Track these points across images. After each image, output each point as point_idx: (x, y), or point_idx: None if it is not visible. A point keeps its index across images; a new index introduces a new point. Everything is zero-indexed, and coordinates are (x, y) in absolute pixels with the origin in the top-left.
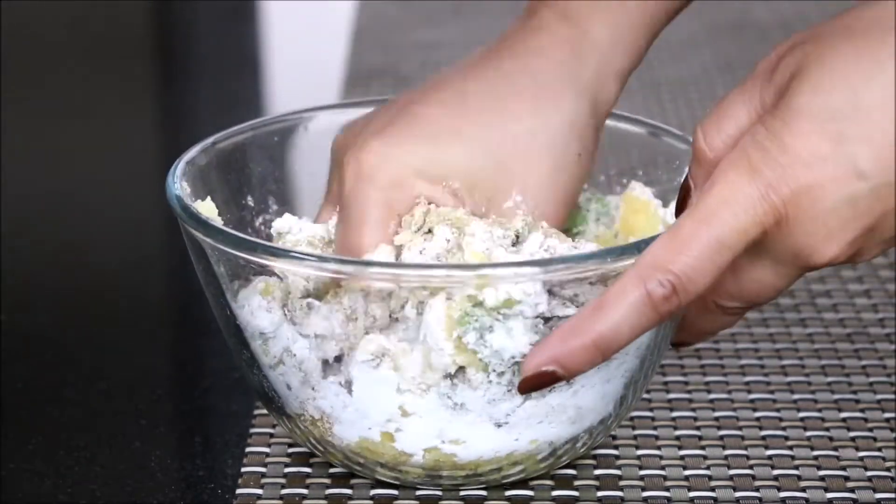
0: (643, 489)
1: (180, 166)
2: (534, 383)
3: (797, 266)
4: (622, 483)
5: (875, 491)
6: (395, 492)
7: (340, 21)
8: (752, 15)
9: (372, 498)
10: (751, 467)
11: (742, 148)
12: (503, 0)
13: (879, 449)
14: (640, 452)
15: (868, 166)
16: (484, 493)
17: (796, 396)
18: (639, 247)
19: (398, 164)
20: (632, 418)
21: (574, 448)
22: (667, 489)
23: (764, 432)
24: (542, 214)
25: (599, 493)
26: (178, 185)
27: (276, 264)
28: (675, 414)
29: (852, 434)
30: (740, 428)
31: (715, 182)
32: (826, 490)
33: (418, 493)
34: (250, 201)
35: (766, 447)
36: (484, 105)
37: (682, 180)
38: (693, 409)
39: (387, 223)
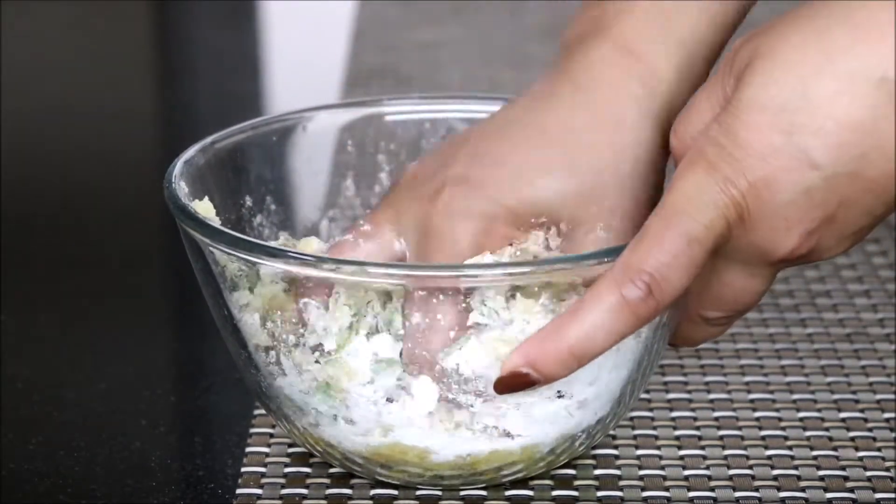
0: (643, 489)
1: (178, 166)
2: (508, 384)
3: (765, 263)
4: (622, 483)
5: (875, 491)
6: (394, 492)
7: (340, 21)
8: (752, 15)
9: (372, 498)
10: (750, 467)
11: (699, 145)
12: (503, 0)
13: (879, 449)
14: (639, 452)
15: (820, 156)
16: (484, 493)
17: (796, 396)
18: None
19: (490, 203)
20: (631, 418)
21: (573, 447)
22: (667, 489)
23: (764, 432)
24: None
25: (599, 493)
26: (176, 184)
27: (274, 264)
28: (674, 414)
29: (852, 434)
30: (740, 428)
31: (676, 180)
32: (826, 490)
33: (418, 492)
34: (248, 201)
35: (766, 447)
36: (567, 139)
37: None
38: (693, 409)
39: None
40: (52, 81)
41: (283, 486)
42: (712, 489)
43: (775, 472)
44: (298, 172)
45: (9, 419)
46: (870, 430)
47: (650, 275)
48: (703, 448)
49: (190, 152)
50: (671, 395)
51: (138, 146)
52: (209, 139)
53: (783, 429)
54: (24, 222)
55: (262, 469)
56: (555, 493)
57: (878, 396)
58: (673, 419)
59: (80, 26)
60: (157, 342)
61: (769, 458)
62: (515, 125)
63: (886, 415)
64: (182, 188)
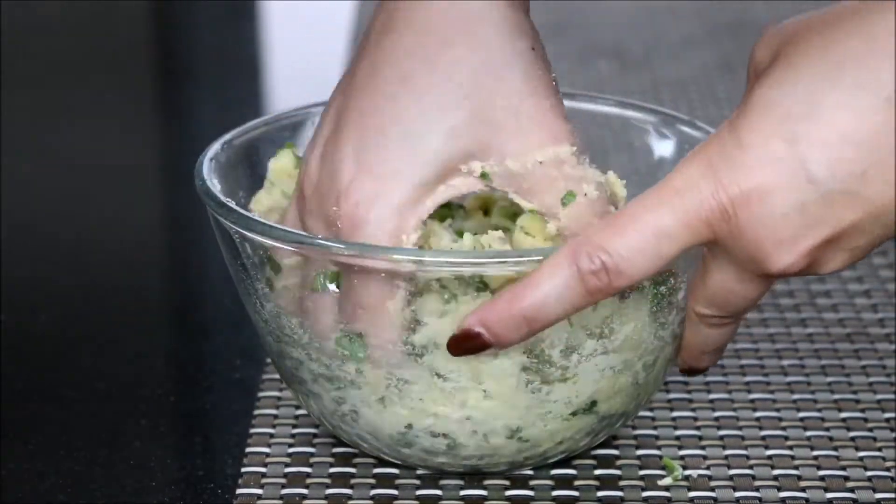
0: (643, 489)
1: (206, 163)
2: (460, 341)
3: (756, 272)
4: (622, 483)
5: (875, 491)
6: (394, 491)
7: (340, 21)
8: (752, 15)
9: (372, 498)
10: (751, 467)
11: (707, 141)
12: None
13: (879, 449)
14: (639, 452)
15: (819, 171)
16: (484, 493)
17: (796, 396)
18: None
19: (400, 190)
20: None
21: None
22: (667, 489)
23: (764, 432)
24: (532, 118)
25: (599, 493)
26: (210, 181)
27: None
28: (675, 414)
29: (852, 434)
30: (740, 428)
31: (674, 171)
32: (826, 490)
33: (418, 493)
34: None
35: (767, 447)
36: (428, 81)
37: None
38: (693, 409)
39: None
40: (52, 81)
41: (283, 486)
42: (713, 489)
43: (776, 471)
44: None
45: (9, 419)
46: (870, 430)
47: (609, 254)
48: (703, 448)
49: (213, 148)
50: (672, 395)
51: (138, 146)
52: (228, 136)
53: (783, 429)
54: (25, 222)
55: (263, 469)
56: (555, 493)
57: (879, 396)
58: (673, 419)
59: (80, 26)
60: (157, 342)
61: (770, 457)
62: (379, 83)
63: (887, 415)
64: (215, 185)
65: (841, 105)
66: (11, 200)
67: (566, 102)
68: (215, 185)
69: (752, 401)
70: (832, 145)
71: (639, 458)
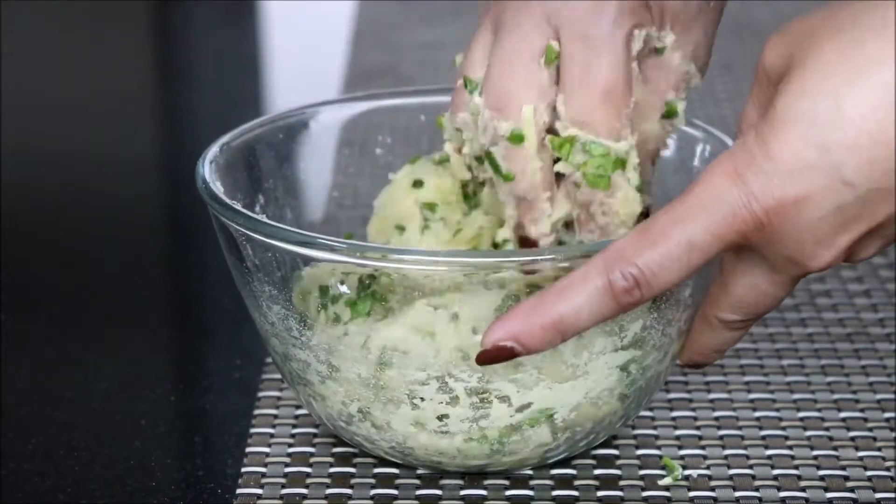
0: (643, 489)
1: (206, 165)
2: (491, 356)
3: (791, 272)
4: (622, 483)
5: (875, 491)
6: (395, 491)
7: (340, 21)
8: (752, 15)
9: (372, 498)
10: (751, 467)
11: (731, 151)
12: None
13: (879, 449)
14: (639, 452)
15: (854, 175)
16: (484, 492)
17: (796, 396)
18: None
19: None
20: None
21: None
22: (667, 489)
23: (764, 432)
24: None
25: (599, 493)
26: (213, 184)
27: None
28: (675, 414)
29: (852, 434)
30: (740, 427)
31: (699, 182)
32: (826, 490)
33: (418, 493)
34: (261, 198)
35: (766, 447)
36: None
37: None
38: (693, 409)
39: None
40: (52, 81)
41: (283, 486)
42: (713, 489)
43: (775, 471)
44: (308, 166)
45: (9, 419)
46: (870, 429)
47: (640, 269)
48: (703, 448)
49: (212, 150)
50: (672, 395)
51: (138, 146)
52: (226, 138)
53: (783, 428)
54: (25, 222)
55: (263, 469)
56: (555, 493)
57: (879, 396)
58: (673, 419)
59: (80, 26)
60: (157, 342)
61: (769, 457)
62: None
63: (887, 414)
64: (218, 188)
65: (867, 106)
66: (12, 201)
67: None
68: (217, 188)
69: (752, 401)
70: (864, 148)
71: (639, 457)
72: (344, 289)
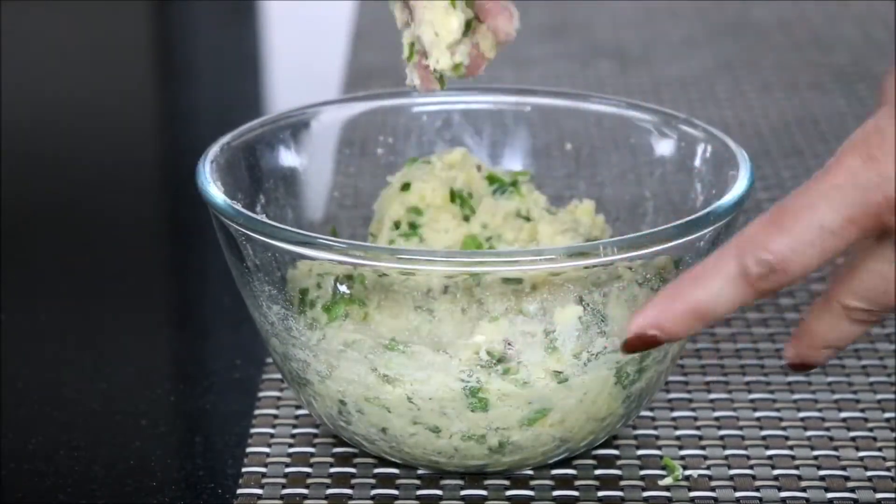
0: (643, 489)
1: (207, 165)
2: (636, 345)
3: None
4: (622, 483)
5: (875, 491)
6: (395, 491)
7: (340, 21)
8: (752, 15)
9: (372, 498)
10: (751, 467)
11: (863, 130)
12: None
13: (880, 449)
14: (640, 452)
15: None
16: (484, 493)
17: (796, 396)
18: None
19: None
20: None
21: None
22: (667, 489)
23: (764, 432)
24: None
25: (600, 493)
26: (214, 184)
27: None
28: (675, 414)
29: (852, 434)
30: (741, 428)
31: (831, 165)
32: (826, 490)
33: (419, 493)
34: (262, 198)
35: (767, 447)
36: None
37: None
38: (693, 409)
39: None
40: (53, 81)
41: (283, 487)
42: (713, 489)
43: (776, 471)
44: (308, 166)
45: (9, 419)
46: (870, 429)
47: (773, 255)
48: (703, 448)
49: (213, 150)
50: (672, 395)
51: (138, 146)
52: (226, 138)
53: (784, 428)
54: (25, 222)
55: (263, 469)
56: (555, 493)
57: (879, 396)
58: (673, 419)
59: (81, 26)
60: (158, 342)
61: (770, 457)
62: None
63: (887, 414)
64: (219, 188)
65: None
66: (12, 202)
67: (565, 102)
68: (217, 188)
69: (752, 401)
70: None
71: (639, 458)
72: (320, 293)
